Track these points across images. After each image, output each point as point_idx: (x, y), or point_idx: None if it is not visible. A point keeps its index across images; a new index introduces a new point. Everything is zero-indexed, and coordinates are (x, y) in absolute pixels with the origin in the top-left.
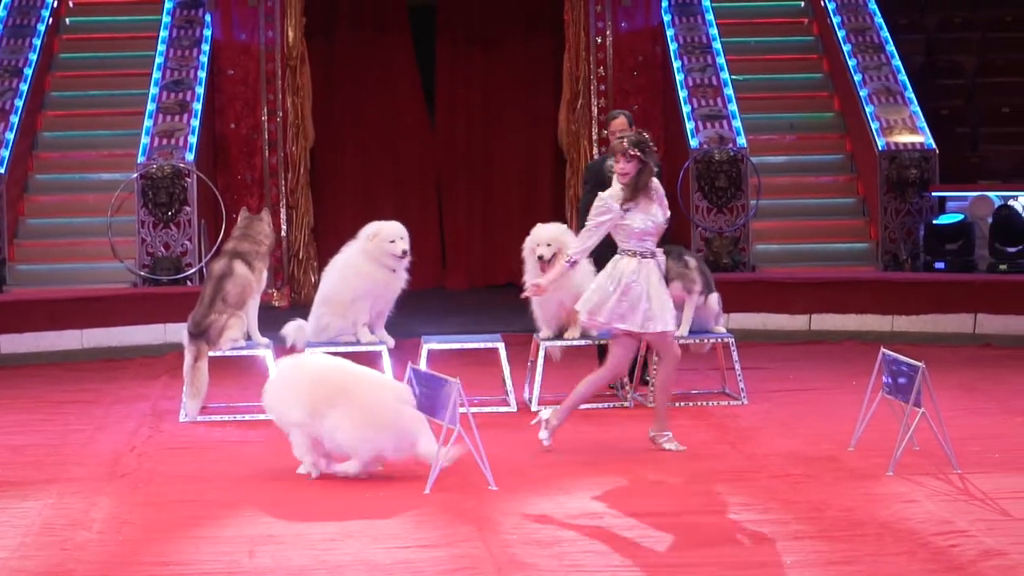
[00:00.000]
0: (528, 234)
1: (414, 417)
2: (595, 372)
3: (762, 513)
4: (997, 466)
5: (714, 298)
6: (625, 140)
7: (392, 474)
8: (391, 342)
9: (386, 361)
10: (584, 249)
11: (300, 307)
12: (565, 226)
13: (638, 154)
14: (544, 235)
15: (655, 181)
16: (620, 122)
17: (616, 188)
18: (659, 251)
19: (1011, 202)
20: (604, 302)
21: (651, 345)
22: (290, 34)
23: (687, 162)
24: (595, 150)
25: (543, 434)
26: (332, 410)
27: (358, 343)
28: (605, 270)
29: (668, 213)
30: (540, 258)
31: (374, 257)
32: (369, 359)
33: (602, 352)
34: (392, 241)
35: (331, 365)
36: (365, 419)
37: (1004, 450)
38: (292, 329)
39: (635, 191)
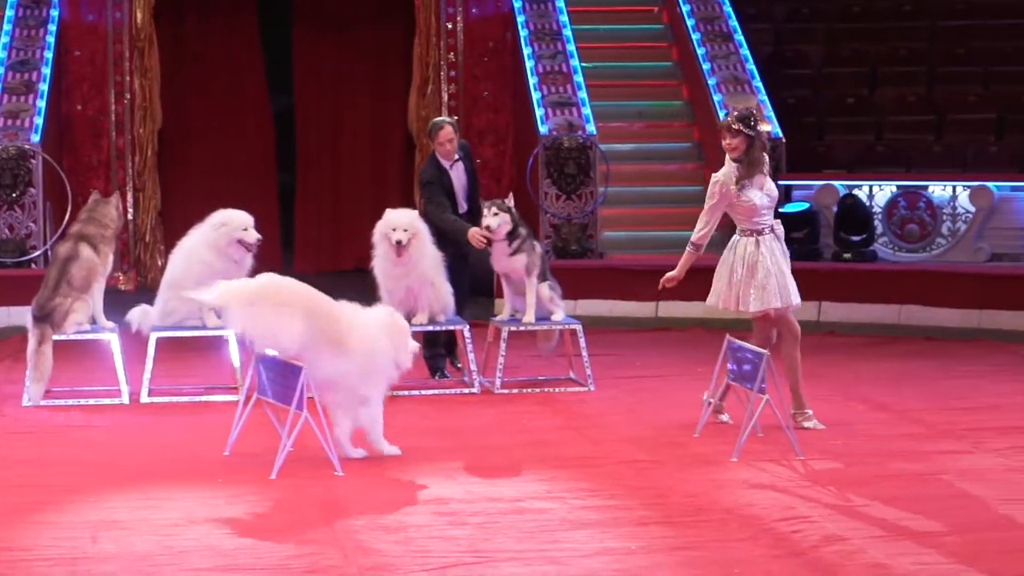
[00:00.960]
0: (377, 219)
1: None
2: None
3: (608, 499)
4: (839, 453)
5: (545, 286)
6: (730, 115)
7: (238, 460)
8: None
9: (232, 345)
10: (707, 231)
11: (146, 291)
12: (416, 211)
13: (743, 129)
14: (399, 220)
15: (757, 153)
16: (447, 132)
17: (729, 167)
18: (776, 223)
19: (855, 191)
20: (737, 289)
21: (775, 322)
22: (138, 16)
23: (536, 149)
24: None
25: (808, 423)
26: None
27: (204, 327)
28: (725, 257)
29: (754, 197)
30: (398, 243)
31: (219, 247)
32: (216, 343)
33: (448, 341)
34: (246, 229)
35: None
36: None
37: (846, 437)
38: (137, 314)
39: (750, 167)
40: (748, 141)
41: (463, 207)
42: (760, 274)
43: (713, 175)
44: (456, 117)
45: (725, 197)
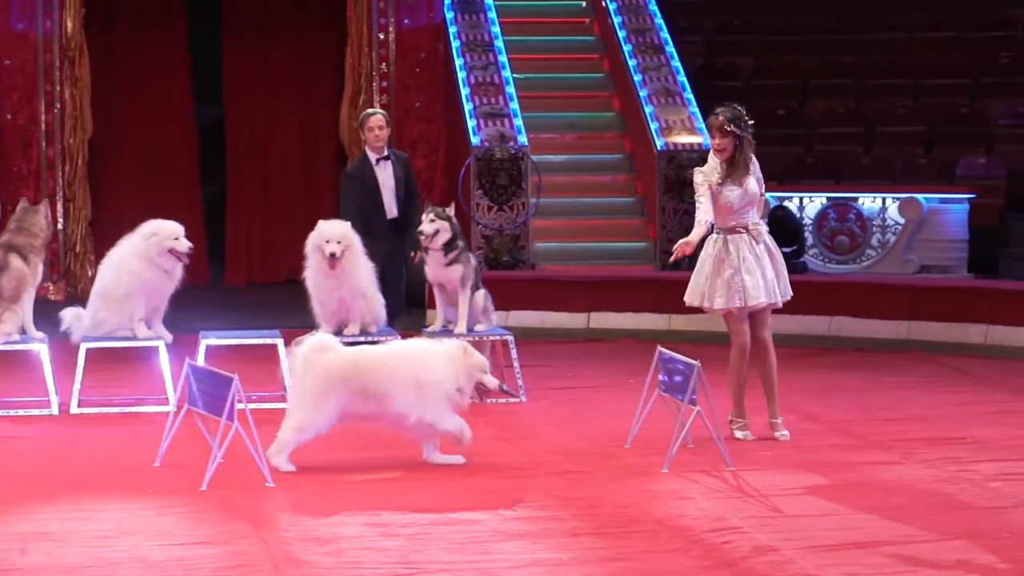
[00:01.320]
0: (309, 230)
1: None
2: (731, 358)
3: (539, 510)
4: (769, 464)
5: (479, 296)
6: (720, 115)
7: (169, 471)
8: (169, 337)
9: (163, 356)
10: (709, 209)
11: (77, 301)
12: (348, 223)
13: (734, 130)
14: (333, 232)
15: (752, 156)
16: (377, 119)
17: (712, 163)
18: (753, 222)
19: (786, 203)
20: (704, 287)
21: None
22: (69, 25)
23: (468, 160)
24: None
25: (739, 433)
26: None
27: (135, 338)
28: (701, 255)
29: (763, 188)
30: (332, 255)
31: (149, 257)
32: (146, 354)
33: None
34: (176, 238)
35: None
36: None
37: (776, 448)
38: (70, 316)
39: (735, 168)
40: (737, 141)
41: (391, 211)
42: (726, 273)
43: (696, 169)
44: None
45: (710, 187)
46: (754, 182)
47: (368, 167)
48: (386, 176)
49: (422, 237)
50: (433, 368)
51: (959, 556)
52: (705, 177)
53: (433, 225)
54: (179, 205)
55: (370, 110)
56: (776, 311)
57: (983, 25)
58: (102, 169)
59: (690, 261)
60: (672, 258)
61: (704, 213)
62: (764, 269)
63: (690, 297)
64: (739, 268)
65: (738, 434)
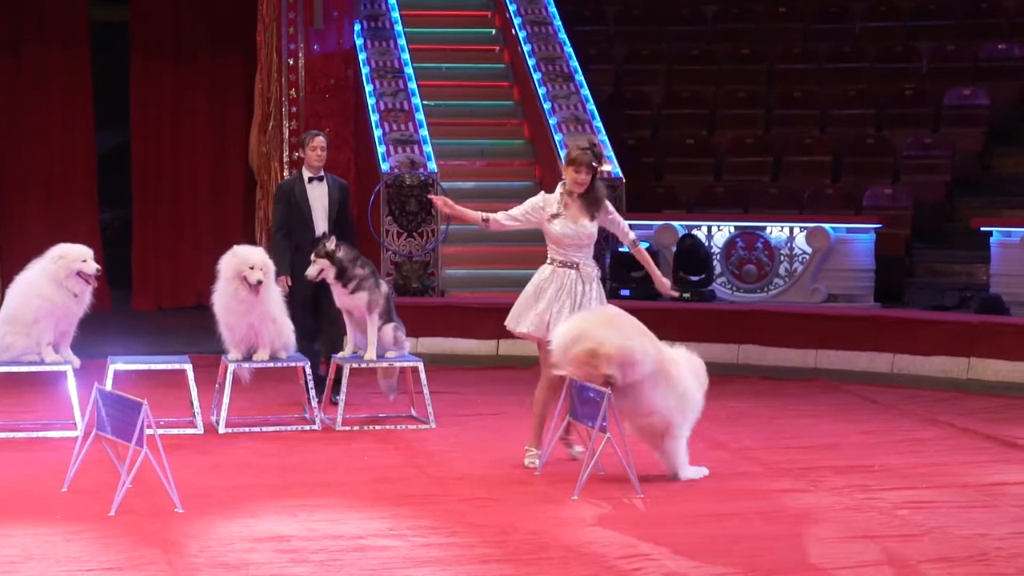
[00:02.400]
0: (218, 255)
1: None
2: (538, 388)
3: (449, 536)
4: (680, 491)
5: (389, 328)
6: (586, 151)
7: (76, 496)
8: (76, 362)
9: (71, 381)
10: (504, 219)
11: None
12: (262, 248)
13: (596, 166)
14: (256, 259)
15: (606, 203)
16: (320, 140)
17: (554, 196)
18: (588, 264)
19: (694, 231)
20: (520, 310)
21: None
22: None
23: (378, 186)
24: (286, 172)
25: (528, 461)
26: None
27: (43, 363)
28: (531, 281)
29: (630, 235)
30: (258, 283)
31: (58, 280)
32: (54, 379)
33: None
34: (84, 260)
35: None
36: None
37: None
38: None
39: (585, 202)
40: (594, 176)
41: (320, 227)
42: (541, 304)
43: (542, 193)
44: (298, 154)
45: (536, 214)
46: (593, 225)
47: (300, 184)
48: (318, 195)
49: (307, 279)
50: None
51: None
52: (539, 204)
53: (315, 267)
54: (80, 229)
55: (314, 131)
56: (681, 339)
57: (888, 57)
58: (9, 193)
59: None
60: (435, 201)
61: (501, 221)
62: (580, 309)
63: (509, 322)
64: (553, 301)
65: (528, 461)
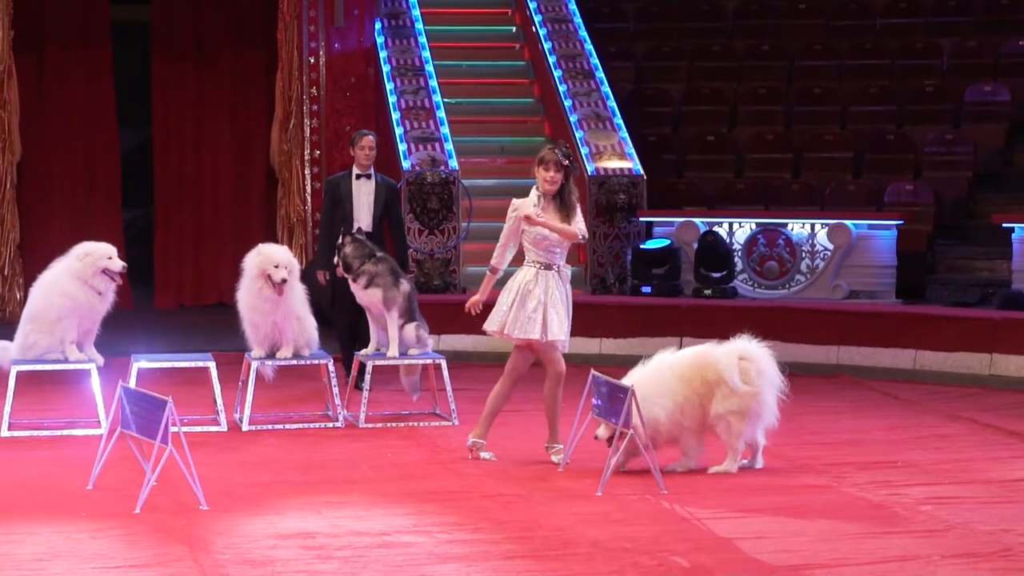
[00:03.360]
0: (240, 253)
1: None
2: (498, 384)
3: (474, 533)
4: (703, 487)
5: (411, 327)
6: (558, 151)
7: (102, 494)
8: (100, 360)
9: (95, 379)
10: (500, 255)
11: (5, 325)
12: (287, 247)
13: (567, 164)
14: (281, 257)
15: (575, 194)
16: (369, 140)
17: (532, 197)
18: (564, 265)
19: (716, 228)
20: (502, 313)
21: (539, 355)
22: None
23: (399, 183)
24: (307, 170)
25: (485, 455)
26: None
27: (66, 361)
28: (507, 285)
29: (582, 227)
30: (283, 281)
31: (83, 278)
32: (78, 377)
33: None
34: (110, 258)
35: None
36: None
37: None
38: None
39: (560, 203)
40: (565, 176)
41: (363, 222)
42: (530, 305)
43: (513, 200)
44: (319, 152)
45: (514, 224)
46: (580, 220)
47: (347, 180)
48: (364, 192)
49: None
50: None
51: None
52: (510, 216)
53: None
54: (103, 228)
55: (364, 130)
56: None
57: (909, 53)
58: (31, 191)
59: (604, 285)
60: (467, 309)
61: (498, 256)
62: (568, 309)
63: (489, 325)
64: (545, 303)
65: (554, 457)
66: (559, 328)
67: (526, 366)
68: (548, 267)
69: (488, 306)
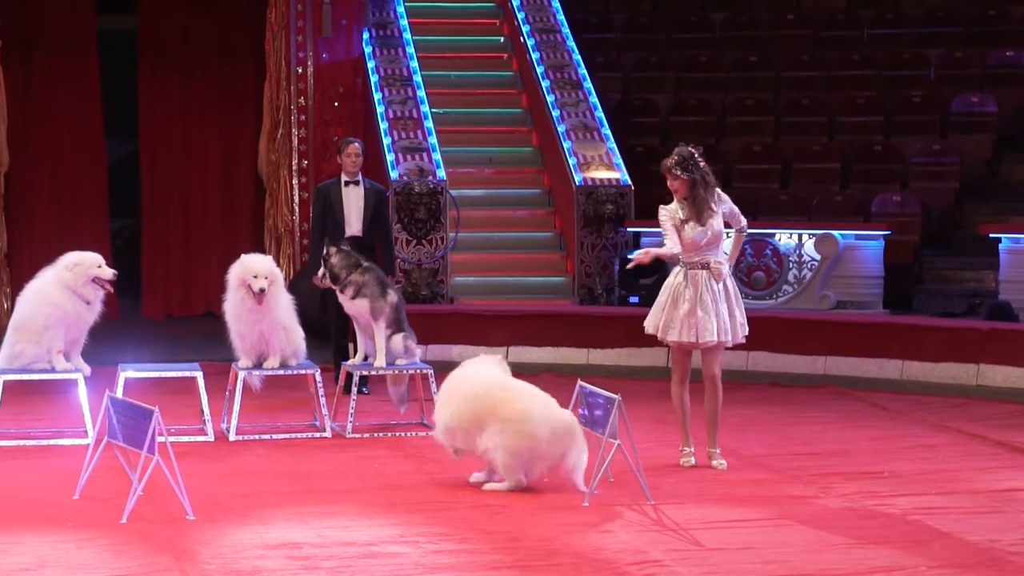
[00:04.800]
0: (227, 263)
1: (563, 431)
2: (672, 388)
3: (460, 543)
4: (689, 497)
5: (398, 338)
6: (669, 159)
7: (88, 504)
8: (87, 370)
9: (82, 389)
10: (674, 249)
11: None
12: (270, 257)
13: (680, 173)
14: (260, 267)
15: (718, 191)
16: (355, 147)
17: (676, 203)
18: (715, 261)
19: None
20: (660, 318)
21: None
22: None
23: (387, 193)
24: (295, 180)
25: (717, 463)
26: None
27: (53, 370)
28: (664, 285)
29: (741, 221)
30: (261, 291)
31: (72, 287)
32: (65, 387)
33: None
34: (99, 266)
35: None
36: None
37: (696, 482)
38: None
39: (695, 206)
40: (690, 182)
41: (353, 227)
42: (683, 307)
43: (661, 206)
44: (307, 162)
45: (674, 223)
46: (718, 221)
47: (336, 186)
48: (353, 197)
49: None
50: None
51: None
52: (669, 214)
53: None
54: (90, 238)
55: (350, 138)
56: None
57: (896, 64)
58: (18, 201)
59: (591, 296)
60: (631, 264)
61: (673, 244)
62: (719, 308)
63: (649, 325)
64: (696, 305)
65: (683, 461)
66: (708, 329)
67: (683, 364)
68: (695, 267)
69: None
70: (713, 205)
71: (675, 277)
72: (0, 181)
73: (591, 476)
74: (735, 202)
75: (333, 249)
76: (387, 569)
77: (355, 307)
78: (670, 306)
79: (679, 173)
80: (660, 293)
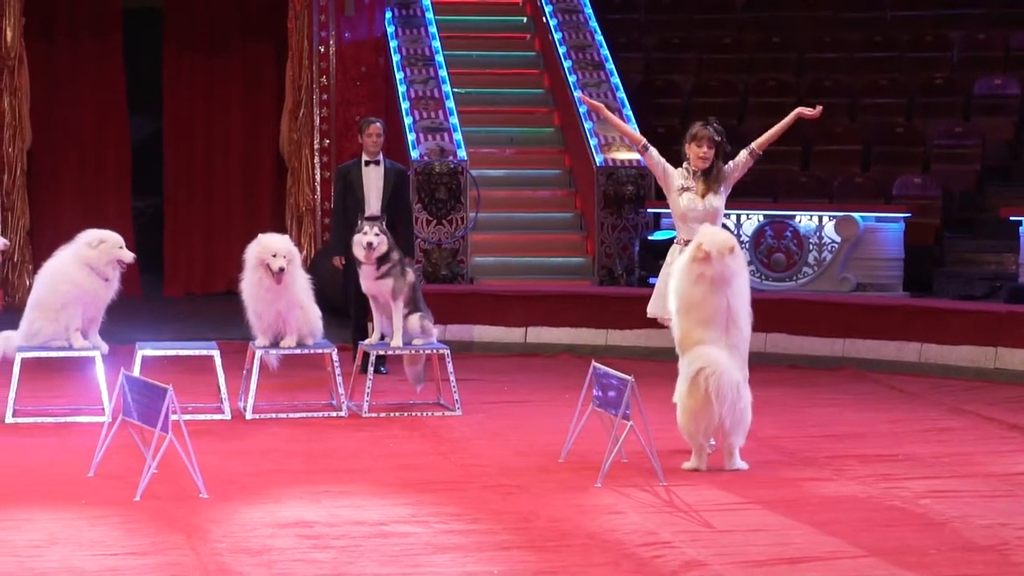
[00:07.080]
0: (248, 242)
1: None
2: None
3: (471, 523)
4: (701, 479)
5: (415, 318)
6: (711, 127)
7: (102, 481)
8: (105, 348)
9: (99, 367)
10: (657, 155)
11: (15, 311)
12: (287, 236)
13: (720, 140)
14: (278, 246)
15: (727, 167)
16: (376, 127)
17: (681, 170)
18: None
19: (724, 220)
20: (657, 302)
21: None
22: (8, 34)
23: (408, 173)
24: (317, 159)
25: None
26: None
27: (71, 348)
28: (663, 266)
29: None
30: (280, 270)
31: (92, 264)
32: (82, 364)
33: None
34: (121, 247)
35: None
36: None
37: (708, 463)
38: (1, 340)
39: (707, 178)
40: (717, 151)
41: (372, 207)
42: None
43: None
44: (328, 141)
45: (663, 172)
46: (718, 201)
47: (356, 167)
48: (373, 177)
49: (365, 249)
50: None
51: (886, 572)
52: (666, 166)
53: (378, 237)
54: (113, 215)
55: (371, 118)
56: None
57: (918, 46)
58: (40, 179)
59: (611, 276)
60: (580, 95)
61: (650, 147)
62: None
63: (651, 309)
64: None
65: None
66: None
67: None
68: (687, 243)
69: None
70: (722, 185)
71: (671, 255)
72: (23, 158)
73: (603, 457)
74: (757, 182)
75: (382, 224)
76: (397, 548)
77: (378, 286)
78: (668, 289)
79: (720, 140)
80: (659, 278)
